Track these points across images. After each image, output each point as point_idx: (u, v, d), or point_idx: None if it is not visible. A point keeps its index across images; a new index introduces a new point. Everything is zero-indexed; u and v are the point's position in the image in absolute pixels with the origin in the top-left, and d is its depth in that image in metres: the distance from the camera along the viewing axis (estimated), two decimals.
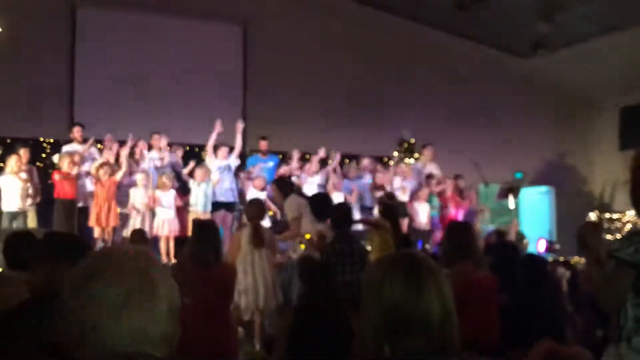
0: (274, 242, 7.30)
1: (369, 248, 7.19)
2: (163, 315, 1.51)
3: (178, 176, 11.39)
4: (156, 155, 11.40)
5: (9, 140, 11.74)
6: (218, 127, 11.04)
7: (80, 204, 10.43)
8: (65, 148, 10.84)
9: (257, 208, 7.28)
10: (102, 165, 10.16)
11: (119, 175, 10.29)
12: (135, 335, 1.47)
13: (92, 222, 10.05)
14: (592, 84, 16.47)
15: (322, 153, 12.31)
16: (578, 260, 11.31)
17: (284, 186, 8.15)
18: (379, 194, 9.76)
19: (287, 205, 7.83)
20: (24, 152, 10.30)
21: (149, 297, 1.49)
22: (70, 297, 1.49)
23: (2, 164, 10.38)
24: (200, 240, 5.26)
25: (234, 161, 11.38)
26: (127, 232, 9.88)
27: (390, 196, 7.77)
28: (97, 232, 10.09)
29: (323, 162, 12.52)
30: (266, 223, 11.07)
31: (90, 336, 1.46)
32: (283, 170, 11.95)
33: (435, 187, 12.38)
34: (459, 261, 4.64)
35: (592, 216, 15.45)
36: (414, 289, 1.78)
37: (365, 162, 12.71)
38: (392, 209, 7.47)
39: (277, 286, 6.99)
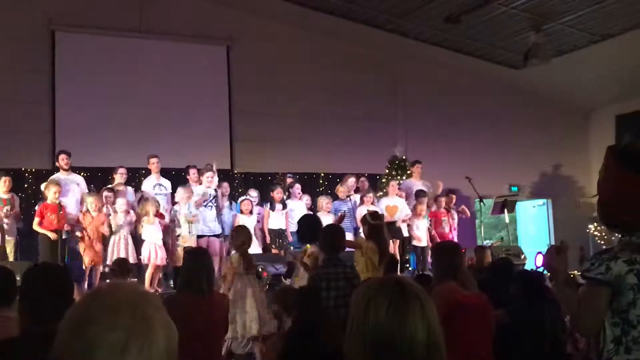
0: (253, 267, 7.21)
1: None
2: (160, 355, 1.44)
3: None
4: (155, 182, 11.17)
5: None
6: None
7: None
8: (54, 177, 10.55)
9: (242, 235, 7.18)
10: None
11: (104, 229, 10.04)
12: None
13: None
14: (586, 92, 16.36)
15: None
16: (579, 274, 11.03)
17: None
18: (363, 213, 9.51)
19: None
20: (4, 181, 10.03)
21: (147, 338, 1.42)
22: (67, 343, 1.42)
23: None
24: (192, 268, 5.12)
25: (220, 193, 11.22)
26: (109, 260, 9.60)
27: (375, 216, 7.51)
28: (85, 263, 9.83)
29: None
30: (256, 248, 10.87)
31: None
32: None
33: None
34: (444, 282, 4.45)
35: (592, 227, 15.21)
36: (399, 314, 1.75)
37: (352, 180, 12.44)
38: (378, 229, 7.23)
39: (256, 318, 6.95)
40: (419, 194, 12.39)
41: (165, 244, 10.41)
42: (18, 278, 4.36)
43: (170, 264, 10.60)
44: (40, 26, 12.95)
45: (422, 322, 1.76)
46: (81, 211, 10.16)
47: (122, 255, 9.40)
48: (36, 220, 9.67)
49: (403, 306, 1.76)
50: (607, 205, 2.86)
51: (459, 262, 4.78)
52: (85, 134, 12.83)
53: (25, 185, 11.70)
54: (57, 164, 10.76)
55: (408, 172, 13.47)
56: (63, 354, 1.43)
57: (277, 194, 11.74)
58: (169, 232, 10.69)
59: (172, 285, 10.18)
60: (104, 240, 10.01)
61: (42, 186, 10.27)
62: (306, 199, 12.21)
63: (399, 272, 9.61)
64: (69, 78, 13.06)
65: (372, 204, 11.73)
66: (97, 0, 13.31)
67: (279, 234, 11.55)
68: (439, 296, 4.28)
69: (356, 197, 12.17)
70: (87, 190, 10.85)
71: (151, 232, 10.09)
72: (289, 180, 12.47)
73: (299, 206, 11.71)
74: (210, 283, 5.11)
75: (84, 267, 9.83)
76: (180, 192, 10.55)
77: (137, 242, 10.19)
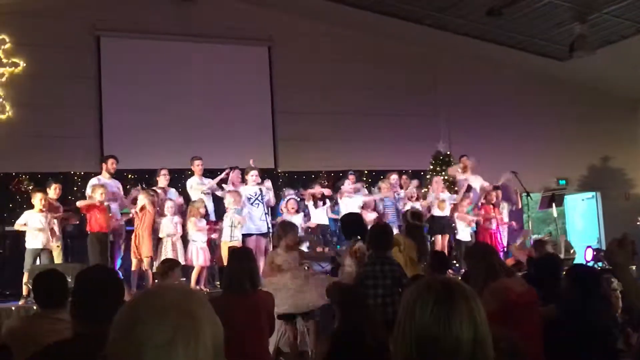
0: None
1: None
2: (208, 353, 1.49)
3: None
4: (198, 181, 11.25)
5: (39, 176, 11.72)
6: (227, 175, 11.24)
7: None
8: (95, 181, 10.66)
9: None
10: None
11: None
12: None
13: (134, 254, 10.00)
14: (633, 83, 16.04)
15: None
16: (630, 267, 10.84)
17: None
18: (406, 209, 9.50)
19: None
20: (55, 188, 10.23)
21: (194, 336, 1.48)
22: (117, 342, 1.49)
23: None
24: (236, 269, 5.17)
25: (265, 190, 11.19)
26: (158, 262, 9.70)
27: (415, 215, 7.48)
28: (134, 264, 9.97)
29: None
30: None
31: None
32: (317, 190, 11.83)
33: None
34: (490, 282, 4.48)
35: None
36: (444, 315, 1.76)
37: (394, 177, 12.40)
38: (416, 229, 7.21)
39: None
40: (466, 189, 12.29)
41: (211, 243, 10.52)
42: (70, 280, 4.48)
43: (216, 264, 10.70)
44: (85, 32, 13.19)
45: (469, 322, 1.76)
46: (135, 210, 10.27)
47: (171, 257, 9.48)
48: (83, 212, 9.84)
49: (448, 306, 1.76)
50: None
51: (498, 260, 4.74)
52: (132, 136, 13.07)
53: (75, 189, 11.91)
54: (104, 167, 10.75)
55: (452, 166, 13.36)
56: (114, 354, 1.49)
57: (317, 190, 11.83)
58: (217, 232, 10.80)
59: (219, 285, 10.28)
60: (154, 235, 10.16)
61: (89, 190, 10.36)
62: (363, 192, 12.17)
63: (448, 269, 9.57)
64: (114, 82, 13.30)
65: (417, 199, 11.71)
66: (139, 5, 13.51)
67: (322, 230, 11.57)
68: (494, 294, 4.27)
69: (401, 193, 12.13)
70: (122, 194, 10.99)
71: (196, 234, 10.21)
72: (351, 177, 12.44)
73: (351, 202, 11.72)
74: (254, 282, 5.13)
75: (132, 269, 9.97)
76: (228, 197, 10.59)
77: (185, 243, 10.30)
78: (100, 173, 10.81)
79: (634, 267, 11.11)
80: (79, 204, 10.00)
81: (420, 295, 1.82)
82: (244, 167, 11.45)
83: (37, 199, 9.74)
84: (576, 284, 5.57)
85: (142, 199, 10.11)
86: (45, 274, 4.44)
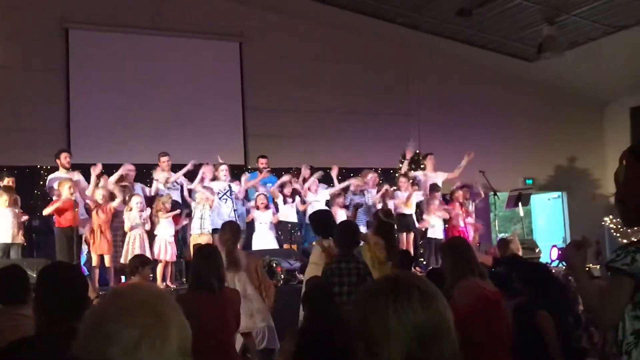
0: (251, 264, 7.05)
1: None
2: (173, 354, 1.53)
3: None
4: (164, 176, 11.16)
5: (5, 169, 11.53)
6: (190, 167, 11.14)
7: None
8: (54, 175, 10.57)
9: (228, 231, 7.03)
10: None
11: (115, 203, 10.05)
12: None
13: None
14: (600, 85, 16.24)
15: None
16: (594, 267, 11.02)
17: None
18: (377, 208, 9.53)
19: None
20: (8, 181, 10.10)
21: (160, 336, 1.51)
22: (85, 339, 1.52)
23: None
24: (202, 265, 5.11)
25: (235, 186, 11.17)
26: (124, 258, 9.61)
27: (387, 213, 7.49)
28: (95, 260, 9.84)
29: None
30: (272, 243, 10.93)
31: None
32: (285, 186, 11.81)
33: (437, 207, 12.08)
34: (465, 277, 4.48)
35: (607, 220, 15.11)
36: (428, 305, 1.70)
37: (371, 175, 12.42)
38: (387, 226, 7.21)
39: (258, 311, 6.78)
40: (433, 188, 12.37)
41: (182, 239, 10.47)
42: (34, 275, 4.42)
43: (183, 259, 10.65)
44: (54, 25, 13.01)
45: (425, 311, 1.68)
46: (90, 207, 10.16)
47: (138, 252, 9.40)
48: (51, 213, 9.71)
49: (432, 297, 1.71)
50: (634, 206, 2.84)
51: (473, 256, 4.75)
52: (99, 130, 12.93)
53: (41, 182, 11.77)
54: (58, 162, 10.65)
55: (422, 165, 13.44)
56: (81, 350, 1.52)
57: (287, 187, 11.79)
58: (186, 228, 10.75)
59: (185, 281, 10.22)
60: (114, 231, 10.07)
61: (55, 184, 10.21)
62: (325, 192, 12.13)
63: (412, 268, 9.62)
64: (82, 76, 13.14)
65: (391, 198, 11.75)
66: None
67: (290, 227, 11.56)
68: (466, 291, 4.30)
69: (372, 192, 12.17)
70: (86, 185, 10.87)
71: (163, 228, 10.15)
72: (304, 170, 12.42)
73: (315, 199, 11.72)
74: (220, 279, 5.08)
75: (93, 264, 9.84)
76: (201, 193, 10.55)
77: (151, 238, 10.21)
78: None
79: (597, 267, 11.30)
80: (47, 212, 9.84)
81: (396, 298, 1.69)
82: (214, 163, 11.43)
83: (3, 198, 9.64)
84: (529, 283, 5.62)
85: (100, 195, 10.04)
86: (5, 269, 4.37)
